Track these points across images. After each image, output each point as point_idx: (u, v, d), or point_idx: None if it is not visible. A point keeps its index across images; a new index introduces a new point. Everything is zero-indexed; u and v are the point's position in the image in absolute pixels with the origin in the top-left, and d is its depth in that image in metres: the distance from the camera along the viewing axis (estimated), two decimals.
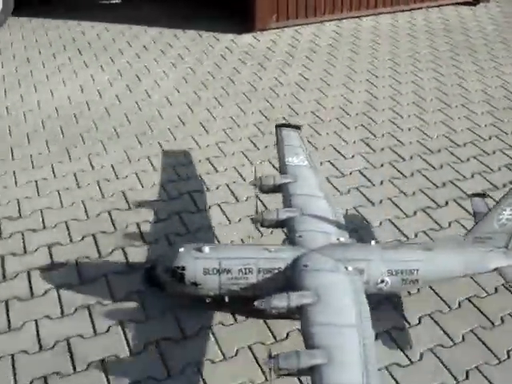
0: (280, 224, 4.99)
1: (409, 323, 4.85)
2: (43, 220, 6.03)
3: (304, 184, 5.35)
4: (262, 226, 5.04)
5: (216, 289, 4.54)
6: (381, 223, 5.94)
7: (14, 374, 4.40)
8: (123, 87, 8.90)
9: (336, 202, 5.23)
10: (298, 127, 6.18)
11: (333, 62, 9.72)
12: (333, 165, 6.91)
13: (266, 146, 7.27)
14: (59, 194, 6.42)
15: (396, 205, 6.22)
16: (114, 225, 5.94)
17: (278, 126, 6.11)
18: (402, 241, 5.71)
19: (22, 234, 5.82)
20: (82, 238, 5.76)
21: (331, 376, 3.51)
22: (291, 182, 5.29)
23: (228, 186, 6.53)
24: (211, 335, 4.72)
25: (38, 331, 4.75)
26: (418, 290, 5.09)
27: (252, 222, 5.26)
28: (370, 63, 9.66)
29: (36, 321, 4.84)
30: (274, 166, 6.81)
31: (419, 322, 4.86)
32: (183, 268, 4.48)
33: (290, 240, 4.81)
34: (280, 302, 4.04)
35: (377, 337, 4.50)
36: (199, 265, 4.49)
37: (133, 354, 4.55)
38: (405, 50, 10.18)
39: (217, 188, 6.50)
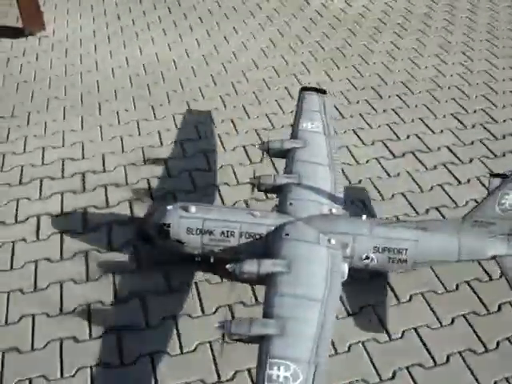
0: (276, 189, 4.89)
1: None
2: (126, 176, 6.18)
3: (311, 150, 5.25)
4: (258, 190, 4.95)
5: (199, 248, 4.58)
6: (467, 202, 5.72)
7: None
8: (210, 48, 8.85)
9: (420, 178, 5.02)
10: (323, 91, 5.99)
11: (427, 31, 9.29)
12: (421, 139, 6.67)
13: (352, 116, 7.10)
14: (143, 150, 6.56)
15: (483, 184, 5.95)
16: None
17: (303, 89, 5.97)
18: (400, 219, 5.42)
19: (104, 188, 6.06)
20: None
21: (278, 348, 3.50)
22: (299, 148, 5.18)
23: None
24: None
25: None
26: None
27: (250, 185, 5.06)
28: (466, 35, 9.19)
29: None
30: (358, 137, 6.67)
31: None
32: (168, 225, 4.55)
33: (280, 207, 4.69)
34: (250, 267, 4.03)
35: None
36: (184, 223, 4.56)
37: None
38: (504, 23, 9.61)
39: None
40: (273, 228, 4.44)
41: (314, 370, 3.37)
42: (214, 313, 4.62)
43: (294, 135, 5.38)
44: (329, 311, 3.83)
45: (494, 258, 4.46)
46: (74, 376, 4.19)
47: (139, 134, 6.81)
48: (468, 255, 4.48)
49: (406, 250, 4.39)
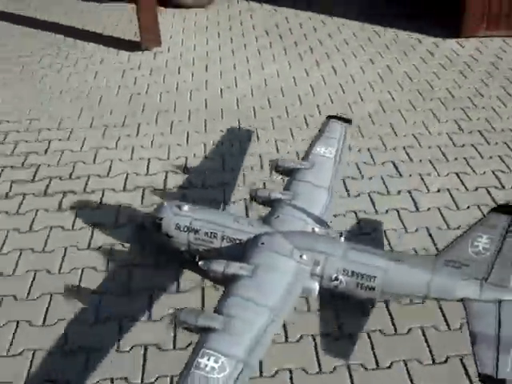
0: (270, 203, 5.02)
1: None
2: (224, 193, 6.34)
3: (315, 173, 5.35)
4: (255, 201, 5.14)
5: (185, 245, 4.88)
6: None
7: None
8: (318, 78, 8.94)
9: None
10: (348, 121, 6.10)
11: None
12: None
13: (456, 158, 6.92)
14: (243, 173, 6.70)
15: None
16: None
17: (329, 117, 6.15)
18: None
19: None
20: None
21: (215, 341, 3.61)
22: (304, 169, 5.32)
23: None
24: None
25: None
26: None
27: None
28: None
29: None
30: (461, 182, 6.50)
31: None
32: (161, 219, 4.88)
33: (266, 218, 4.85)
34: (218, 266, 4.22)
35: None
36: (174, 219, 4.83)
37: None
38: None
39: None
40: (252, 236, 4.55)
41: (242, 369, 3.52)
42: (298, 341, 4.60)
43: (304, 157, 5.56)
44: (275, 320, 3.88)
45: (461, 300, 4.26)
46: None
47: (240, 153, 6.98)
48: (436, 293, 4.38)
49: (375, 277, 4.37)
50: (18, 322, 4.77)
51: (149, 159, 6.93)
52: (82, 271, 5.27)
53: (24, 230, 5.84)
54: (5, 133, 7.61)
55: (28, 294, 5.06)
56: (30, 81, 9.09)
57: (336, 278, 4.43)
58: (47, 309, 4.89)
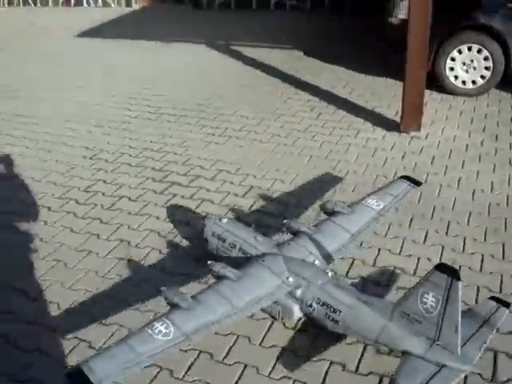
0: (295, 233, 5.62)
1: None
2: None
3: (350, 218, 5.74)
4: (287, 231, 5.74)
5: (215, 250, 5.73)
6: None
7: None
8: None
9: None
10: (418, 183, 6.51)
11: None
12: None
13: None
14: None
15: None
16: None
17: (401, 177, 6.58)
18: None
19: None
20: None
21: (175, 315, 4.38)
22: (342, 213, 5.77)
23: None
24: None
25: None
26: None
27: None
28: None
29: None
30: None
31: None
32: (204, 225, 5.91)
33: (279, 243, 5.52)
34: (216, 267, 4.97)
35: None
36: (212, 227, 5.79)
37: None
38: None
39: None
40: (260, 253, 5.31)
41: (181, 340, 4.23)
42: None
43: (352, 204, 6.07)
44: (232, 317, 4.54)
45: (403, 353, 4.26)
46: None
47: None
48: (385, 340, 4.44)
49: (340, 312, 4.65)
50: None
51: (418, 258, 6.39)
52: None
53: None
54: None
55: None
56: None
57: (310, 305, 4.83)
58: None
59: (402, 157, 8.84)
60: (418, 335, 4.24)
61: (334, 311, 4.67)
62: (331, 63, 13.56)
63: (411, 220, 7.12)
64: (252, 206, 7.48)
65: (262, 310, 5.03)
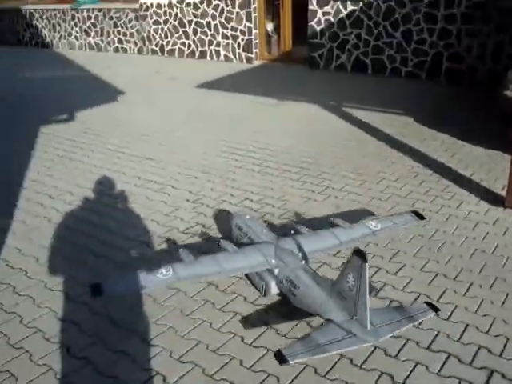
0: (296, 232, 6.95)
1: None
2: None
3: (344, 231, 6.90)
4: (292, 230, 7.13)
5: (235, 237, 7.23)
6: None
7: None
8: None
9: None
10: (422, 218, 7.86)
11: None
12: None
13: None
14: None
15: None
16: None
17: (411, 211, 7.93)
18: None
19: None
20: None
21: (177, 265, 6.05)
22: (341, 227, 7.02)
23: None
24: None
25: None
26: None
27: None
28: None
29: None
30: None
31: None
32: (232, 218, 7.59)
33: (279, 237, 6.89)
34: (223, 244, 6.62)
35: None
36: (237, 220, 7.36)
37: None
38: None
39: None
40: (261, 241, 6.68)
41: (173, 280, 5.85)
42: None
43: (353, 223, 7.21)
44: (218, 275, 6.09)
45: (327, 320, 5.36)
46: None
47: None
48: (320, 312, 5.56)
49: (299, 288, 5.84)
50: None
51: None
52: None
53: None
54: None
55: None
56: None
57: (282, 282, 6.11)
58: None
59: (504, 233, 8.55)
60: (343, 310, 5.29)
61: (295, 287, 5.88)
62: (440, 131, 13.43)
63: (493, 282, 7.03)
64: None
65: (253, 284, 6.63)
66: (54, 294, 7.13)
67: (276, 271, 6.19)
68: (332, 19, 20.93)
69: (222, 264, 6.08)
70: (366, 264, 4.98)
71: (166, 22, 26.07)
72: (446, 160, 11.64)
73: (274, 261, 6.22)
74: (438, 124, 13.95)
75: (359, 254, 5.09)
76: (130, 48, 28.14)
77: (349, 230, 6.93)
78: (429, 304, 5.70)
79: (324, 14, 21.06)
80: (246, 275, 6.74)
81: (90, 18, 29.43)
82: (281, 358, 4.98)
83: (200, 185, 10.48)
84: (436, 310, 5.63)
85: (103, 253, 8.03)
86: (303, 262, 6.27)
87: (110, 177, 10.97)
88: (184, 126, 14.67)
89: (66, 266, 7.76)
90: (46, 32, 32.19)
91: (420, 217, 7.62)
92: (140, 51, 27.65)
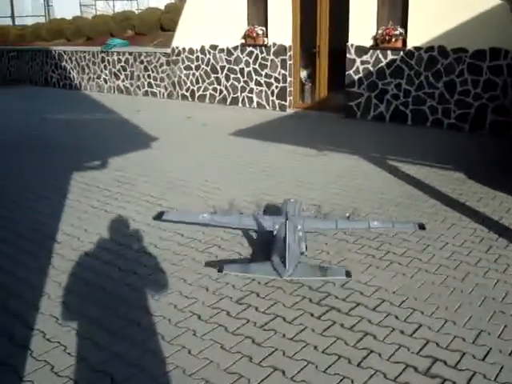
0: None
1: None
2: None
3: (345, 221, 9.58)
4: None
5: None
6: None
7: None
8: None
9: None
10: (424, 228, 9.61)
11: None
12: None
13: None
14: None
15: None
16: None
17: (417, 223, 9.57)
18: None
19: None
20: None
21: (212, 215, 9.64)
22: (345, 218, 9.70)
23: None
24: None
25: None
26: None
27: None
28: None
29: None
30: None
31: None
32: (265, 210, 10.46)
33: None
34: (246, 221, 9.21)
35: None
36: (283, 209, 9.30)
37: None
38: None
39: None
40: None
41: (208, 220, 9.51)
42: None
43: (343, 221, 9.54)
44: (233, 224, 9.36)
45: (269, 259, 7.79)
46: None
47: None
48: (277, 253, 7.74)
49: (276, 230, 8.48)
50: None
51: None
52: None
53: None
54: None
55: None
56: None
57: (274, 228, 8.55)
58: None
59: None
60: (278, 255, 7.56)
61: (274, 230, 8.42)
62: (496, 189, 12.57)
63: None
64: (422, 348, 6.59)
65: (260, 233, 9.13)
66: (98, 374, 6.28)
67: (276, 227, 8.50)
68: (371, 68, 20.38)
69: (239, 220, 9.34)
70: (287, 221, 7.70)
71: (197, 67, 25.73)
72: (509, 223, 10.75)
73: (276, 226, 8.57)
74: (492, 181, 13.11)
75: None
76: (159, 92, 27.81)
77: (350, 221, 9.57)
78: (347, 273, 7.62)
79: (362, 62, 20.53)
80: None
81: (120, 61, 29.27)
82: (220, 268, 7.77)
83: (243, 241, 9.64)
84: (349, 275, 7.53)
85: (147, 325, 7.19)
86: (298, 226, 8.35)
87: (149, 232, 10.15)
88: (221, 177, 13.93)
89: (108, 341, 6.90)
90: (74, 74, 32.10)
91: (422, 227, 9.45)
92: (170, 96, 27.28)
